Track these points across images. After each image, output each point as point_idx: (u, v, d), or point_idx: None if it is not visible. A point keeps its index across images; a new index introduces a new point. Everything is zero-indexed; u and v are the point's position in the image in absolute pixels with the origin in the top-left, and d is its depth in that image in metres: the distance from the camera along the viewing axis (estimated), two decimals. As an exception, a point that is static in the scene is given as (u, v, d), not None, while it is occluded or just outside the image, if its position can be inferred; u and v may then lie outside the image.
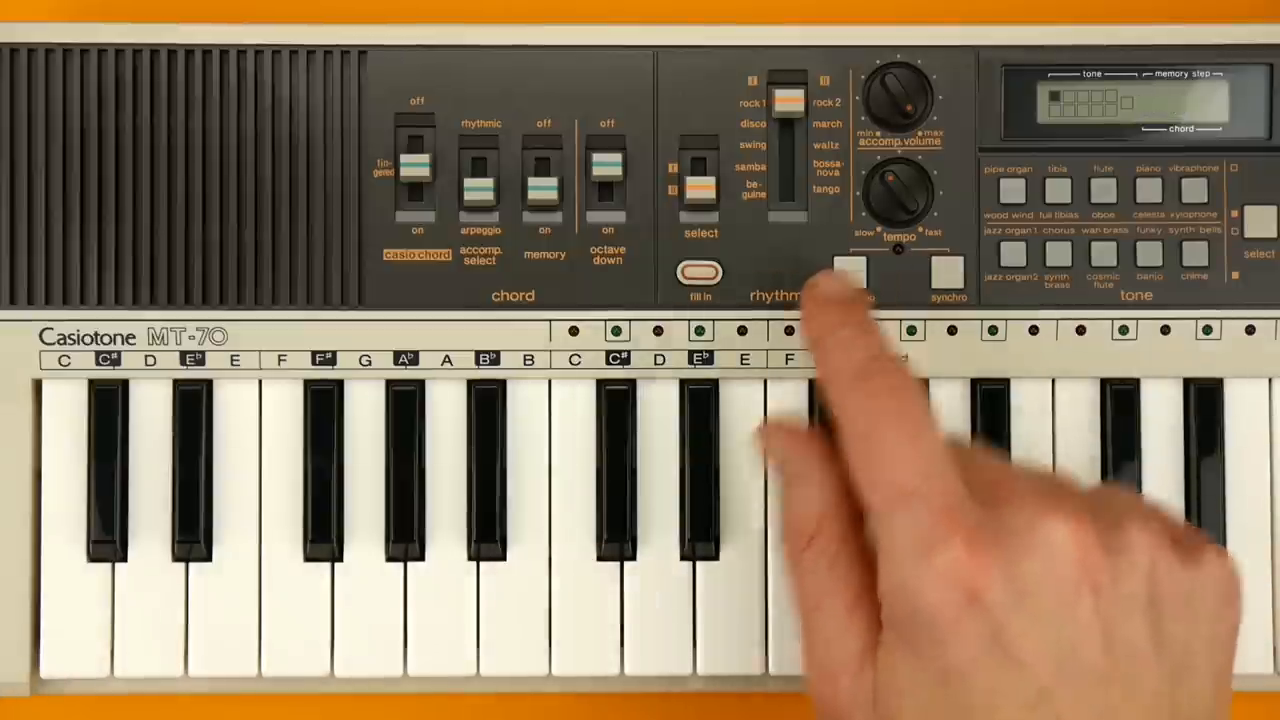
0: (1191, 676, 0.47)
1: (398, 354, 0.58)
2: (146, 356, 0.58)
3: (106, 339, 0.58)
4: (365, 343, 0.58)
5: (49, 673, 0.58)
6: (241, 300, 0.58)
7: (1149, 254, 0.58)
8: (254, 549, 0.58)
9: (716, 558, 0.58)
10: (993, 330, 0.58)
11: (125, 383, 0.58)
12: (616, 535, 0.58)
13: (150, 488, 0.58)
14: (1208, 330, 0.58)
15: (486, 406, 0.58)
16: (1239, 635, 0.48)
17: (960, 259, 0.58)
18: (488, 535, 0.58)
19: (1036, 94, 0.58)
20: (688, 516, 0.58)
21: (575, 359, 0.58)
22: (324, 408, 0.58)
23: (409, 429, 0.58)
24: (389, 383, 0.58)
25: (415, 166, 0.57)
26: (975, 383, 0.59)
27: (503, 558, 0.58)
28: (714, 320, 0.58)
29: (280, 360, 0.58)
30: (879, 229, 0.58)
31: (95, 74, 0.58)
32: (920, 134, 0.58)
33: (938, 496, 0.46)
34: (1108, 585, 0.45)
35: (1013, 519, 0.46)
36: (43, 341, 0.58)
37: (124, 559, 0.58)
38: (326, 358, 0.58)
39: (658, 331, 0.58)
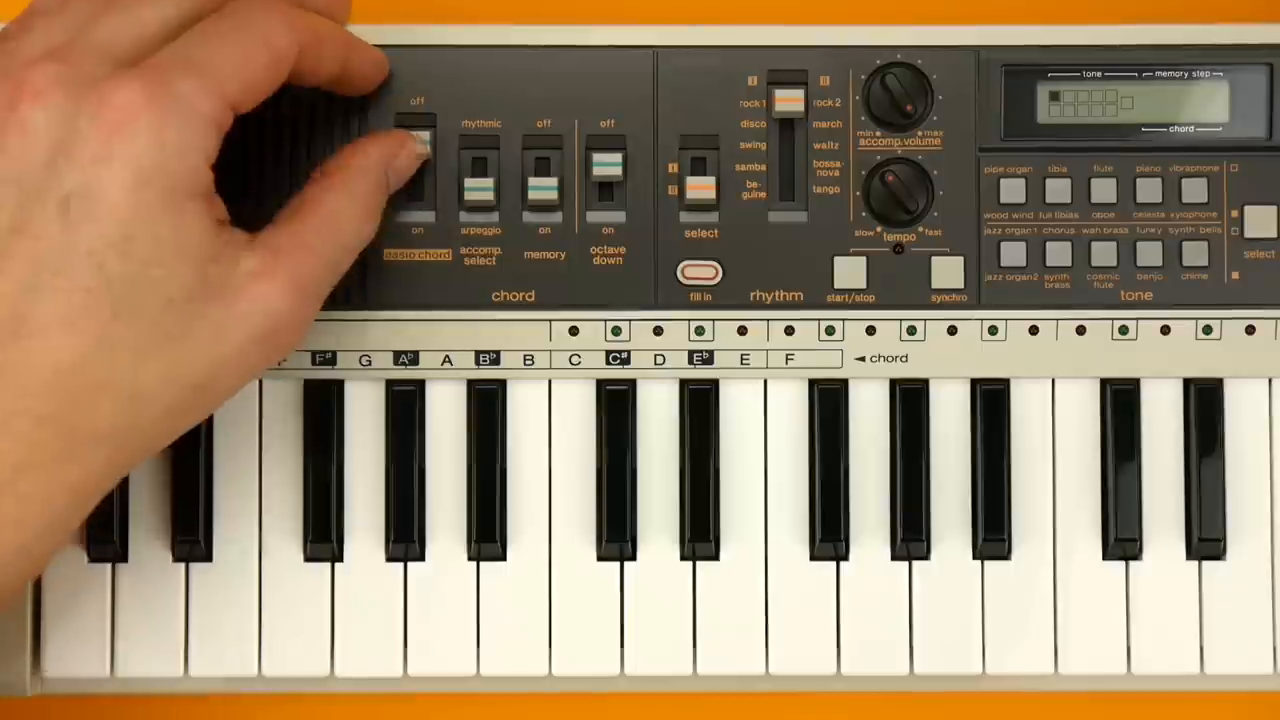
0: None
1: (398, 354, 0.58)
2: (146, 356, 0.58)
3: (106, 339, 0.58)
4: (365, 343, 0.58)
5: (49, 672, 0.58)
6: (241, 300, 0.58)
7: (1149, 254, 0.58)
8: (254, 549, 0.58)
9: (716, 558, 0.58)
10: (993, 330, 0.58)
11: (125, 383, 0.58)
12: (616, 535, 0.58)
13: (150, 488, 0.58)
14: (1208, 330, 0.58)
15: (486, 406, 0.58)
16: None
17: (960, 259, 0.58)
18: (488, 535, 0.58)
19: (1036, 94, 0.58)
20: (688, 516, 0.58)
21: (575, 359, 0.58)
22: (324, 407, 0.58)
23: (409, 429, 0.58)
24: (389, 383, 0.58)
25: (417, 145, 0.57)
26: (975, 383, 0.59)
27: (503, 558, 0.58)
28: (714, 320, 0.58)
29: (280, 360, 0.58)
30: (879, 229, 0.58)
31: (95, 74, 0.58)
32: (920, 134, 0.58)
33: None
34: None
35: None
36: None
37: (124, 559, 0.58)
38: (326, 357, 0.58)
39: (658, 331, 0.58)
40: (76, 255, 0.46)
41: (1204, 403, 0.59)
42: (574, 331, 0.58)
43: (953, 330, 0.58)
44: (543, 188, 0.58)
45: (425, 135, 0.57)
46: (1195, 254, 0.58)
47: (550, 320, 0.58)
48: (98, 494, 0.49)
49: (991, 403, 0.59)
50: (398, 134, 0.56)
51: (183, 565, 0.58)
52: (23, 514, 0.46)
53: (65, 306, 0.46)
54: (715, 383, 0.59)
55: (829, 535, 0.58)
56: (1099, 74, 0.58)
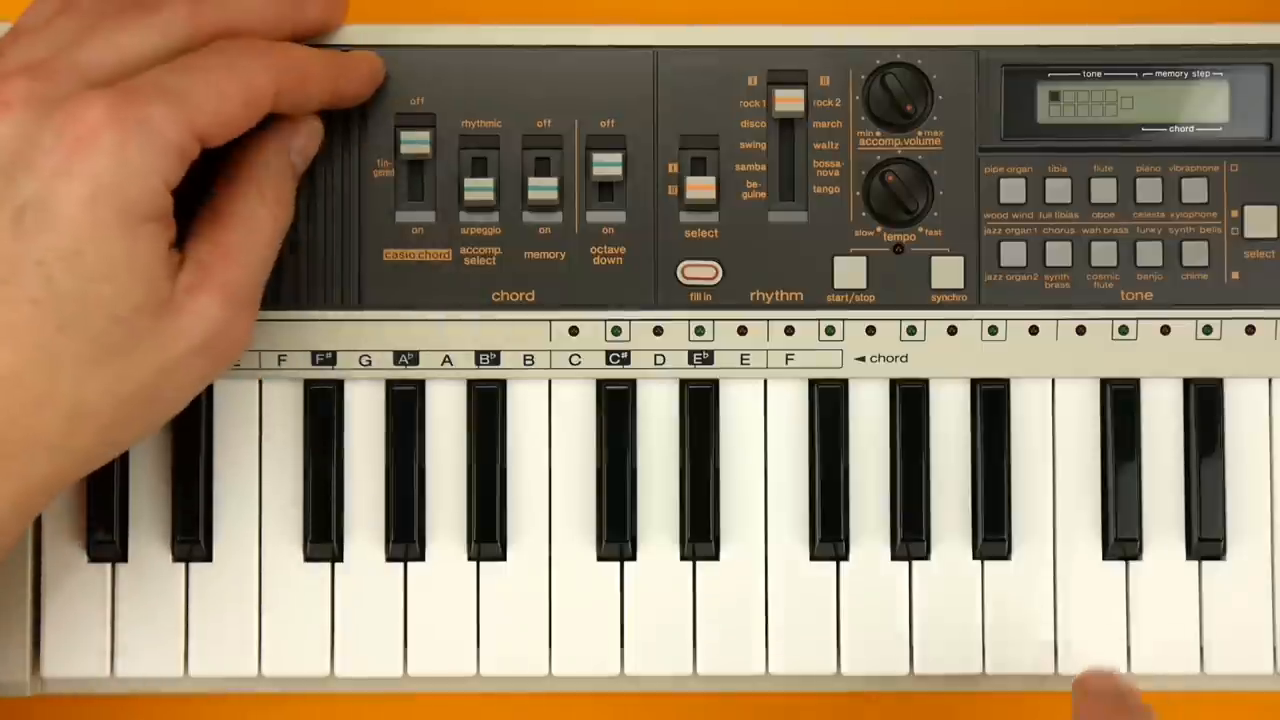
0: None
1: (397, 354, 0.58)
2: (146, 356, 0.58)
3: (106, 339, 0.58)
4: (365, 343, 0.58)
5: (49, 672, 0.58)
6: (241, 300, 0.58)
7: (1149, 254, 0.58)
8: (254, 549, 0.58)
9: (716, 558, 0.58)
10: (993, 330, 0.58)
11: (125, 383, 0.58)
12: (616, 535, 0.58)
13: (150, 488, 0.58)
14: (1208, 330, 0.58)
15: (486, 406, 0.58)
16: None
17: (960, 259, 0.58)
18: (488, 535, 0.58)
19: (1036, 94, 0.58)
20: (688, 516, 0.58)
21: (575, 359, 0.58)
22: (324, 407, 0.58)
23: (409, 429, 0.58)
24: (389, 383, 0.58)
25: (415, 144, 0.57)
26: (975, 383, 0.59)
27: (503, 558, 0.58)
28: (714, 320, 0.58)
29: (280, 360, 0.58)
30: (879, 229, 0.58)
31: (95, 74, 0.58)
32: (920, 134, 0.58)
33: None
34: None
35: None
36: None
37: (124, 558, 0.58)
38: (326, 358, 0.58)
39: (658, 331, 0.58)
40: (25, 265, 0.46)
41: (1204, 403, 0.59)
42: (574, 331, 0.58)
43: (953, 330, 0.58)
44: (543, 188, 0.58)
45: (425, 135, 0.57)
46: (1195, 254, 0.58)
47: (550, 320, 0.58)
48: (37, 508, 0.49)
49: (991, 403, 0.59)
50: (292, 119, 0.55)
51: (183, 565, 0.58)
52: None
53: (9, 316, 0.46)
54: (715, 383, 0.59)
55: (829, 535, 0.58)
56: (1099, 74, 0.58)
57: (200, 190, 0.53)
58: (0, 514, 0.47)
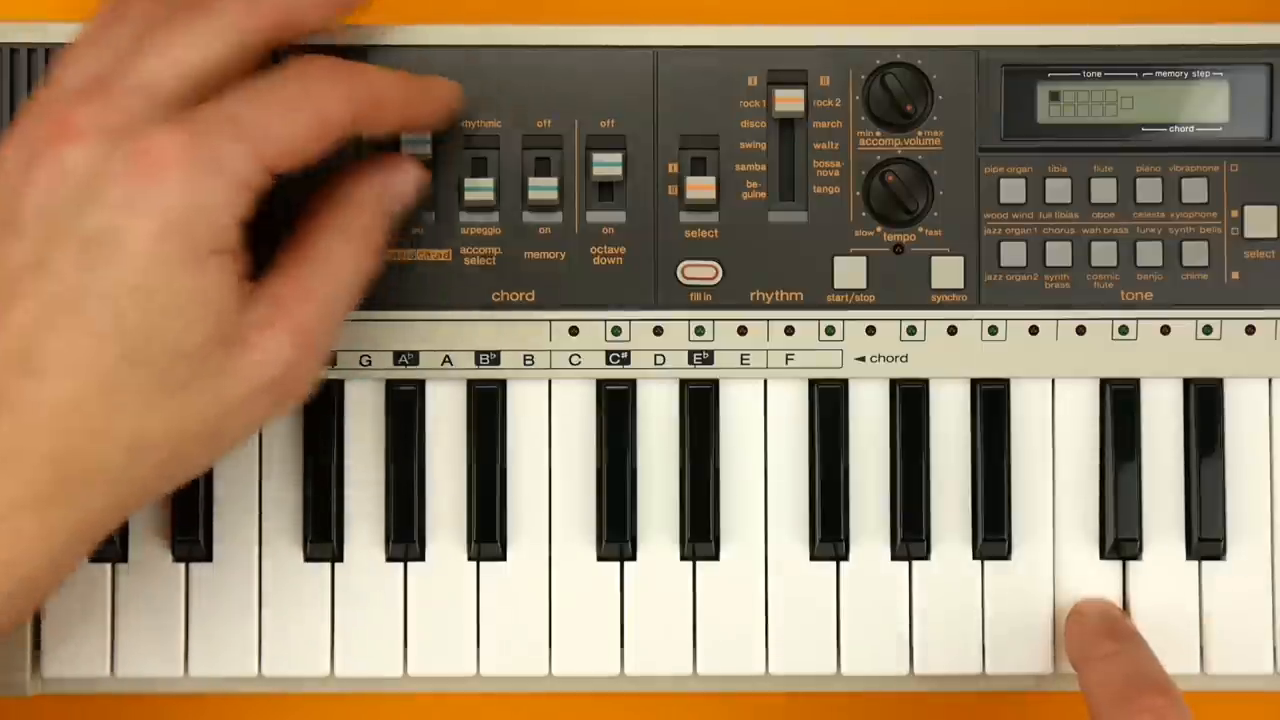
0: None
1: (397, 354, 0.58)
2: (146, 356, 0.58)
3: (106, 339, 0.58)
4: (365, 343, 0.58)
5: (49, 672, 0.58)
6: (241, 300, 0.58)
7: (1149, 254, 0.58)
8: (254, 549, 0.58)
9: (716, 558, 0.58)
10: (993, 330, 0.58)
11: (125, 383, 0.58)
12: (616, 535, 0.58)
13: (150, 488, 0.58)
14: (1208, 330, 0.58)
15: (486, 406, 0.58)
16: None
17: (960, 259, 0.58)
18: (488, 535, 0.58)
19: (1036, 94, 0.58)
20: (688, 516, 0.58)
21: (575, 359, 0.58)
22: (323, 408, 0.58)
23: (409, 429, 0.58)
24: (389, 383, 0.58)
25: (416, 145, 0.57)
26: (975, 383, 0.59)
27: (503, 558, 0.58)
28: (714, 320, 0.58)
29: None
30: (879, 229, 0.58)
31: (95, 74, 0.58)
32: (920, 134, 0.58)
33: None
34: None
35: None
36: (43, 341, 0.58)
37: (124, 558, 0.58)
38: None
39: (658, 331, 0.58)
40: (91, 298, 0.46)
41: (1204, 403, 0.59)
42: (574, 331, 0.58)
43: (953, 330, 0.58)
44: (543, 188, 0.58)
45: (427, 150, 0.57)
46: (1195, 254, 0.58)
47: (550, 320, 0.58)
48: (97, 536, 0.48)
49: (991, 403, 0.59)
50: (390, 158, 0.55)
51: (183, 565, 0.58)
52: (17, 553, 0.46)
53: (73, 348, 0.46)
54: (715, 383, 0.59)
55: (829, 535, 0.58)
56: (1099, 74, 0.58)
57: (284, 216, 0.52)
58: (57, 544, 0.47)
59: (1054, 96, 0.58)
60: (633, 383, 0.59)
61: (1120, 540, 0.58)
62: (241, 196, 0.48)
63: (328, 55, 0.52)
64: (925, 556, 0.58)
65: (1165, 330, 0.58)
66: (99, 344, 0.46)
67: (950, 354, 0.58)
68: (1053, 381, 0.59)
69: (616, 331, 0.58)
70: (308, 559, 0.58)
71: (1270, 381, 0.59)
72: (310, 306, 0.50)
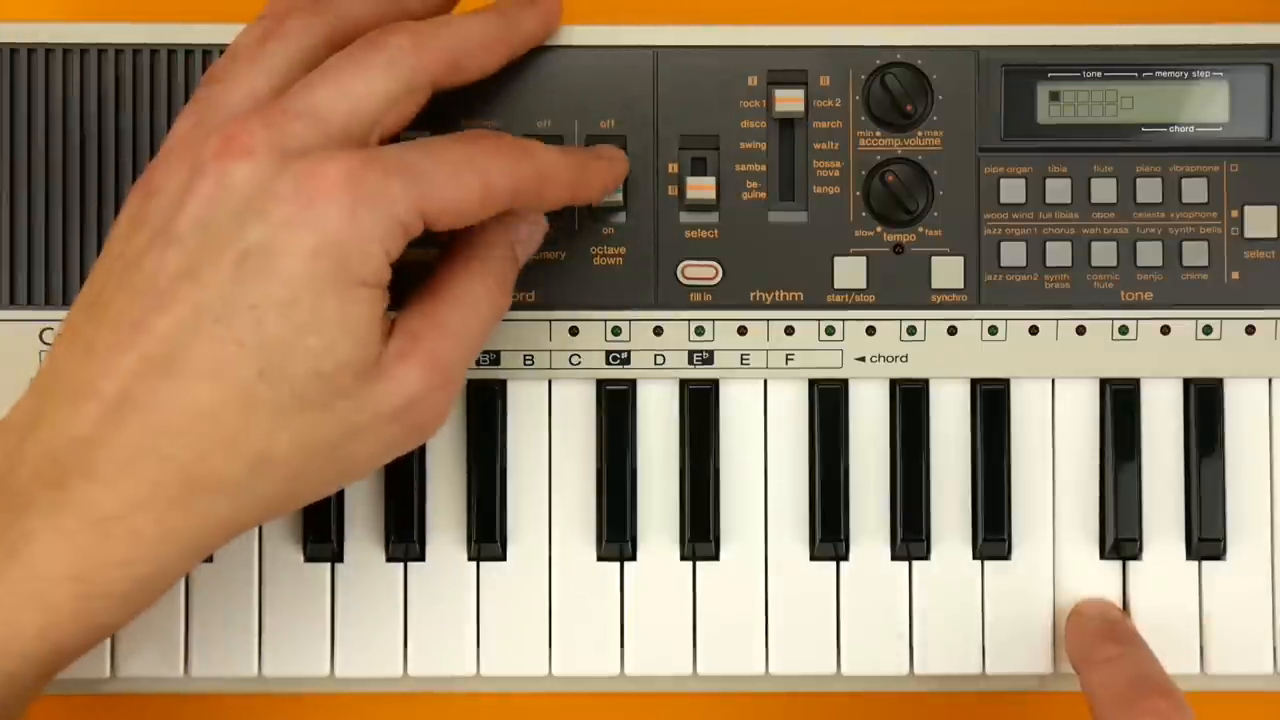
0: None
1: (398, 354, 0.58)
2: (146, 356, 0.58)
3: (106, 339, 0.58)
4: (365, 343, 0.58)
5: (49, 673, 0.58)
6: (241, 300, 0.58)
7: (1149, 254, 0.58)
8: (255, 549, 0.58)
9: (716, 558, 0.58)
10: (993, 330, 0.58)
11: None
12: (616, 535, 0.58)
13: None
14: (1208, 330, 0.58)
15: (487, 406, 0.58)
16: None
17: (960, 259, 0.58)
18: (488, 535, 0.58)
19: (1036, 94, 0.58)
20: (688, 516, 0.58)
21: (575, 359, 0.58)
22: (324, 408, 0.58)
23: (409, 429, 0.58)
24: (389, 383, 0.58)
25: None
26: (975, 383, 0.59)
27: (503, 557, 0.58)
28: (714, 320, 0.58)
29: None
30: (879, 229, 0.58)
31: (95, 74, 0.58)
32: (920, 134, 0.58)
33: None
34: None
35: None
36: (43, 342, 0.58)
37: (124, 559, 0.58)
38: (326, 358, 0.58)
39: (658, 331, 0.58)
40: (240, 308, 0.46)
41: (1204, 403, 0.59)
42: (574, 331, 0.58)
43: (953, 330, 0.58)
44: (543, 188, 0.58)
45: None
46: (1195, 254, 0.58)
47: (550, 320, 0.58)
48: (212, 547, 0.48)
49: (991, 403, 0.59)
50: (522, 213, 0.55)
51: (183, 565, 0.58)
52: (136, 554, 0.46)
53: (215, 356, 0.46)
54: (715, 383, 0.59)
55: (829, 535, 0.58)
56: (1099, 74, 0.58)
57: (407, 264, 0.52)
58: (172, 553, 0.47)
59: (1054, 96, 0.58)
60: (633, 383, 0.59)
61: (1120, 540, 0.58)
62: (396, 234, 0.48)
63: (500, 133, 0.52)
64: (925, 556, 0.58)
65: (1165, 330, 0.58)
66: (241, 355, 0.46)
67: (950, 354, 0.58)
68: (1053, 381, 0.59)
69: (616, 331, 0.58)
70: (308, 559, 0.58)
71: (1270, 381, 0.59)
72: (445, 341, 0.50)
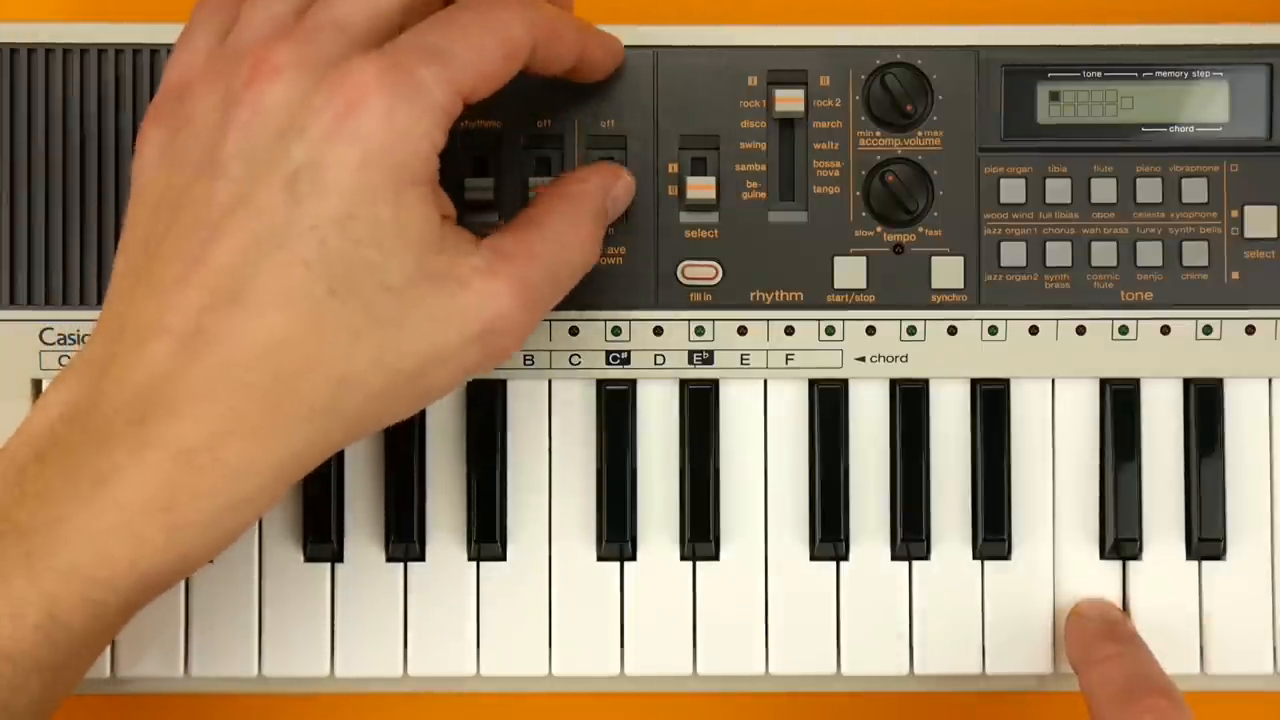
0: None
1: (398, 354, 0.58)
2: (146, 356, 0.58)
3: (106, 339, 0.58)
4: (365, 343, 0.58)
5: (49, 673, 0.58)
6: (241, 300, 0.58)
7: (1149, 254, 0.58)
8: (256, 549, 0.58)
9: (716, 558, 0.58)
10: (993, 330, 0.58)
11: (125, 383, 0.58)
12: (616, 535, 0.58)
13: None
14: (1208, 330, 0.58)
15: (486, 406, 0.58)
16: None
17: (960, 259, 0.58)
18: (488, 535, 0.58)
19: (1036, 94, 0.58)
20: (688, 516, 0.58)
21: (575, 359, 0.58)
22: (324, 408, 0.58)
23: (409, 429, 0.58)
24: (389, 383, 0.58)
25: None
26: (975, 383, 0.59)
27: (503, 558, 0.58)
28: (714, 320, 0.58)
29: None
30: (879, 229, 0.58)
31: (95, 74, 0.58)
32: (920, 134, 0.58)
33: None
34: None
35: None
36: (43, 341, 0.58)
37: (124, 559, 0.58)
38: (326, 358, 0.58)
39: (658, 331, 0.58)
40: (299, 230, 0.46)
41: (1204, 403, 0.59)
42: (574, 331, 0.58)
43: (953, 330, 0.58)
44: (543, 188, 0.58)
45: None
46: (1195, 254, 0.58)
47: (550, 320, 0.58)
48: (299, 473, 0.48)
49: (991, 403, 0.59)
50: (612, 167, 0.56)
51: (183, 565, 0.58)
52: (219, 484, 0.46)
53: (283, 281, 0.46)
54: (715, 383, 0.59)
55: (829, 535, 0.58)
56: (1099, 74, 0.58)
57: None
58: (261, 477, 0.47)
59: (1054, 96, 0.58)
60: (633, 383, 0.59)
61: (1120, 540, 0.58)
62: (439, 124, 0.48)
63: None
64: (925, 556, 0.58)
65: (1165, 330, 0.58)
66: (307, 276, 0.46)
67: (950, 354, 0.58)
68: (1053, 381, 0.59)
69: (616, 331, 0.58)
70: (308, 559, 0.58)
71: (1270, 381, 0.59)
72: (537, 266, 0.50)
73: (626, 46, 0.58)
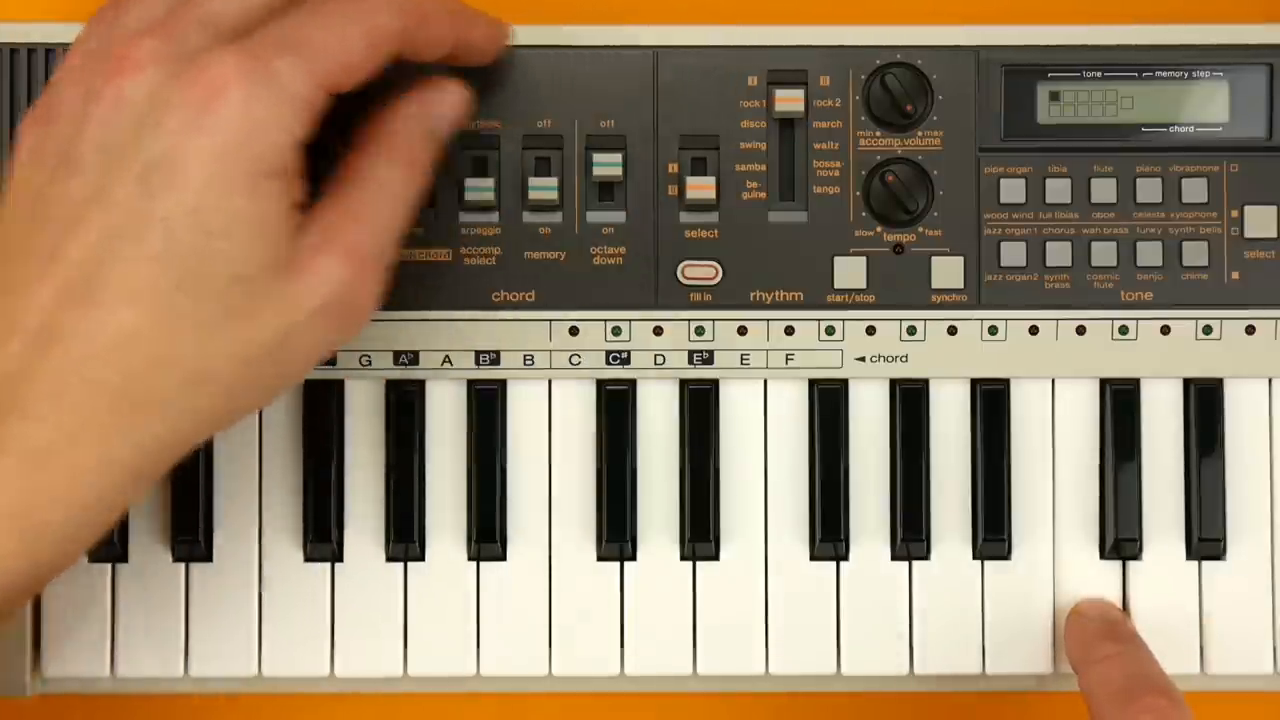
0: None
1: (398, 354, 0.58)
2: (146, 356, 0.58)
3: (106, 339, 0.58)
4: (365, 343, 0.58)
5: (49, 672, 0.58)
6: (241, 300, 0.58)
7: (1149, 254, 0.58)
8: (254, 549, 0.58)
9: (716, 558, 0.58)
10: (993, 330, 0.58)
11: (125, 383, 0.58)
12: (616, 535, 0.58)
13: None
14: (1208, 330, 0.58)
15: (486, 406, 0.58)
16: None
17: (960, 259, 0.58)
18: (488, 535, 0.58)
19: (1036, 94, 0.58)
20: (688, 516, 0.58)
21: (575, 359, 0.58)
22: (324, 407, 0.58)
23: (409, 429, 0.58)
24: (389, 383, 0.58)
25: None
26: (975, 383, 0.59)
27: (503, 558, 0.58)
28: (714, 320, 0.58)
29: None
30: (879, 229, 0.58)
31: (95, 74, 0.58)
32: (920, 134, 0.58)
33: None
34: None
35: None
36: (43, 341, 0.58)
37: (124, 558, 0.58)
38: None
39: (658, 331, 0.58)
40: (150, 223, 0.46)
41: (1204, 403, 0.59)
42: (574, 331, 0.58)
43: (953, 330, 0.58)
44: (543, 188, 0.58)
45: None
46: (1195, 254, 0.58)
47: (550, 320, 0.58)
48: (157, 471, 0.48)
49: (991, 403, 0.59)
50: (433, 81, 0.54)
51: (183, 565, 0.58)
52: (72, 487, 0.46)
53: (133, 276, 0.46)
54: (715, 383, 0.59)
55: (829, 535, 0.58)
56: (1099, 74, 0.58)
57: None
58: (115, 475, 0.46)
59: (1054, 96, 0.58)
60: (633, 383, 0.59)
61: (1120, 540, 0.58)
62: (299, 115, 0.48)
63: None
64: (925, 556, 0.58)
65: (1165, 330, 0.58)
66: (157, 270, 0.46)
67: (950, 354, 0.58)
68: (1053, 381, 0.59)
69: (616, 331, 0.58)
70: (308, 559, 0.58)
71: (1270, 381, 0.59)
72: (360, 226, 0.50)
73: (626, 46, 0.58)
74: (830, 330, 0.58)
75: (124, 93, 0.47)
